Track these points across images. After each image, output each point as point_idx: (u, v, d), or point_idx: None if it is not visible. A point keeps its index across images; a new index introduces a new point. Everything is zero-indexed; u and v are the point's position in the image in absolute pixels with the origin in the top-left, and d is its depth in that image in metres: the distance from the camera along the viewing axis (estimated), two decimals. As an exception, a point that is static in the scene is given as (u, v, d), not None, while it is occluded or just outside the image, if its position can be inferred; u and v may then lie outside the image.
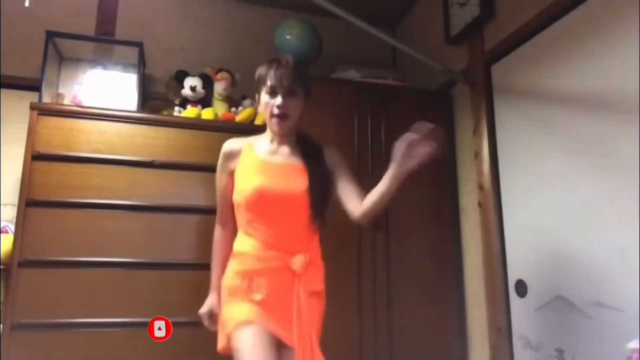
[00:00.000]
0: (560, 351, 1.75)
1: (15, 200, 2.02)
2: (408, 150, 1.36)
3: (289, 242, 1.45)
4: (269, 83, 1.47)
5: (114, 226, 2.08)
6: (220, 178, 1.58)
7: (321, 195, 1.48)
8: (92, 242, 2.04)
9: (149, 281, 2.06)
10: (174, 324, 1.85)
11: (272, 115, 1.48)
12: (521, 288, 1.96)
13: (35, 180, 2.02)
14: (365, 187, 2.33)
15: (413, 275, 2.26)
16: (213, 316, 1.57)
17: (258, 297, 1.39)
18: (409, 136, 1.36)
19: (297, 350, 1.33)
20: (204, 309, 1.59)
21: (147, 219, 2.12)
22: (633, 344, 1.25)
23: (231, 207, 1.54)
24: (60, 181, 2.05)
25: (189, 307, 2.05)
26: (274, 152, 1.54)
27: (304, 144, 1.57)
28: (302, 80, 1.51)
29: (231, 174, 1.55)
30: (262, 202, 1.44)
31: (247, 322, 1.35)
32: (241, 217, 1.50)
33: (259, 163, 1.51)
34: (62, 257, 2.00)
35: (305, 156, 1.53)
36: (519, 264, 2.00)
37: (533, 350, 1.87)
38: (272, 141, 1.55)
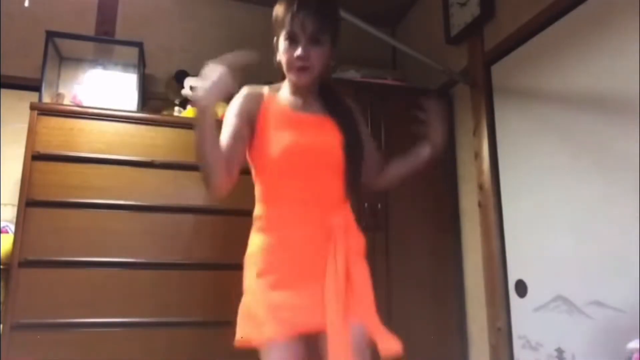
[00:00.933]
0: (560, 351, 1.75)
1: (15, 200, 2.02)
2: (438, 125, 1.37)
3: (325, 202, 1.27)
4: (288, 28, 1.27)
5: (113, 226, 2.08)
6: (236, 118, 1.28)
7: (357, 152, 1.32)
8: (92, 242, 2.04)
9: (149, 281, 2.06)
10: (174, 324, 1.85)
11: (292, 66, 1.29)
12: (521, 288, 1.96)
13: (35, 180, 2.02)
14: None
15: (413, 275, 2.26)
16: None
17: (284, 273, 1.20)
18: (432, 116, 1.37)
19: (330, 337, 1.13)
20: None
21: (147, 219, 2.12)
22: (633, 344, 1.25)
23: (239, 161, 1.27)
24: (60, 181, 2.05)
25: (189, 307, 2.06)
26: (301, 104, 1.35)
27: (329, 96, 1.39)
28: (329, 23, 1.29)
29: (249, 122, 1.29)
30: (297, 159, 1.26)
31: (274, 341, 1.15)
32: (265, 181, 1.30)
33: (289, 115, 1.31)
34: (62, 257, 2.00)
35: (334, 110, 1.36)
36: (519, 264, 2.00)
37: (533, 350, 1.87)
38: (294, 93, 1.36)
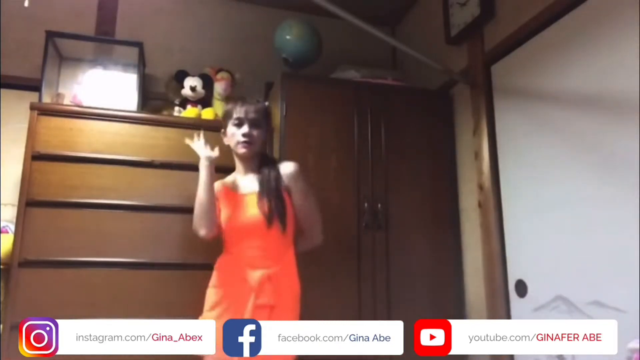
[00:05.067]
0: (560, 351, 1.75)
1: (15, 200, 2.02)
2: None
3: (257, 259, 1.64)
4: (235, 115, 1.73)
5: (113, 226, 2.07)
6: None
7: (280, 215, 1.65)
8: (92, 242, 2.04)
9: (149, 281, 2.06)
10: (174, 324, 1.85)
11: (237, 141, 1.71)
12: (521, 288, 1.96)
13: (35, 180, 2.02)
14: (365, 186, 2.33)
15: (413, 275, 2.26)
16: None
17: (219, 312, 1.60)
18: None
19: None
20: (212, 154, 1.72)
21: (147, 219, 2.12)
22: (633, 344, 1.25)
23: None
24: (60, 181, 2.05)
25: (189, 308, 2.06)
26: (239, 185, 1.75)
27: (264, 170, 1.74)
28: (263, 111, 1.78)
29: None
30: (231, 229, 1.68)
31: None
32: (225, 239, 1.73)
33: (229, 196, 1.73)
34: (62, 257, 1.99)
35: (261, 184, 1.70)
36: (519, 264, 2.00)
37: (533, 350, 1.87)
38: (239, 171, 1.78)
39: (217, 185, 1.74)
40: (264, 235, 1.63)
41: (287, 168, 1.74)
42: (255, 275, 1.59)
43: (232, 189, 1.74)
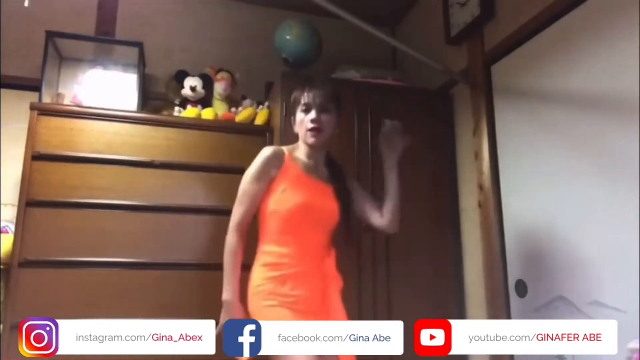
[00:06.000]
0: (560, 351, 1.75)
1: (15, 200, 2.02)
2: (389, 143, 1.65)
3: (318, 250, 1.58)
4: (303, 101, 1.60)
5: (113, 226, 2.07)
6: (257, 183, 1.57)
7: (348, 215, 1.63)
8: (92, 242, 2.04)
9: (149, 281, 2.06)
10: (174, 324, 1.85)
11: (307, 129, 1.58)
12: (521, 288, 1.96)
13: (35, 180, 2.02)
14: (365, 187, 2.32)
15: (413, 275, 2.25)
16: None
17: (294, 299, 1.46)
18: (386, 131, 1.69)
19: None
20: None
21: (147, 219, 2.12)
22: (633, 344, 1.25)
23: (254, 213, 1.60)
24: (60, 181, 2.05)
25: (189, 308, 2.06)
26: (313, 169, 1.63)
27: (331, 165, 1.69)
28: (332, 96, 1.62)
29: (269, 180, 1.57)
30: (303, 215, 1.54)
31: None
32: (273, 225, 1.56)
33: (304, 177, 1.60)
34: (62, 257, 1.99)
35: (334, 179, 1.65)
36: (519, 264, 2.00)
37: (533, 350, 1.87)
38: (308, 157, 1.64)
39: (278, 153, 1.60)
40: (329, 231, 1.60)
41: (347, 173, 1.74)
42: (330, 263, 1.58)
43: (306, 171, 1.62)
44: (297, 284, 1.49)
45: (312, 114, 1.57)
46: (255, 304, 1.50)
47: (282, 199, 1.54)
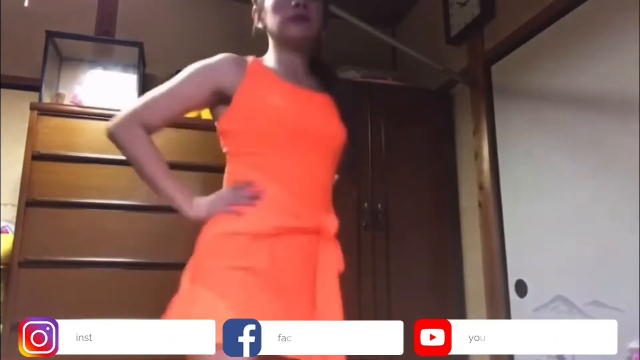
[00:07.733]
0: (560, 351, 1.75)
1: (15, 200, 2.02)
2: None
3: (312, 195, 1.05)
4: None
5: (114, 226, 2.07)
6: (193, 92, 1.11)
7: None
8: (92, 242, 2.04)
9: (149, 281, 2.06)
10: (174, 324, 1.85)
11: (286, 17, 1.08)
12: (521, 288, 1.96)
13: (35, 180, 2.02)
14: (365, 187, 2.33)
15: (413, 275, 2.26)
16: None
17: (264, 268, 0.97)
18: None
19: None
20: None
21: (147, 219, 2.12)
22: (633, 344, 1.25)
23: (169, 121, 1.13)
24: (60, 181, 2.05)
25: (189, 307, 2.06)
26: (292, 77, 1.11)
27: (320, 70, 1.19)
28: None
29: (218, 93, 1.07)
30: (289, 135, 1.04)
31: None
32: (249, 153, 1.06)
33: (282, 84, 1.09)
34: (62, 257, 2.00)
35: (328, 85, 1.16)
36: (519, 264, 2.00)
37: (533, 350, 1.87)
38: (284, 64, 1.13)
39: (236, 58, 1.11)
40: (331, 163, 1.09)
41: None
42: (333, 222, 1.07)
43: (284, 76, 1.10)
44: (274, 247, 0.99)
45: None
46: (204, 263, 1.10)
47: (251, 115, 1.04)
